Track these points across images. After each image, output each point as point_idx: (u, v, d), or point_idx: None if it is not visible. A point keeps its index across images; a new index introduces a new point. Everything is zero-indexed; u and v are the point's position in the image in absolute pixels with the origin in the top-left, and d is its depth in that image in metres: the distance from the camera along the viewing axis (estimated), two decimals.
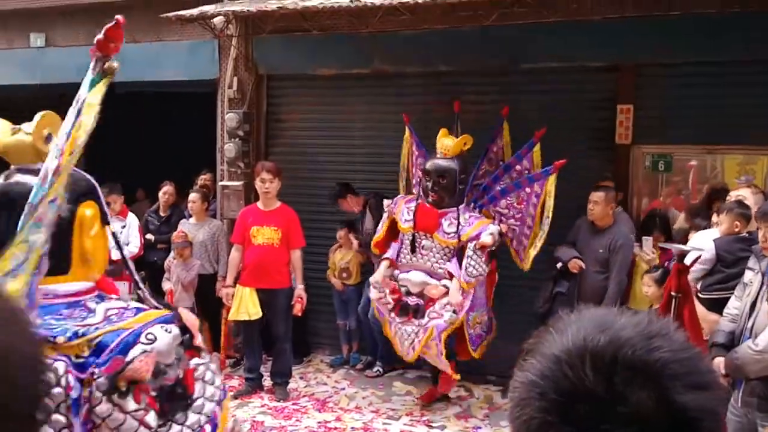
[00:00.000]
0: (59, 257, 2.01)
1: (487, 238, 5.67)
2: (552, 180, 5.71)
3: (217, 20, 7.20)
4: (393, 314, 5.92)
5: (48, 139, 2.14)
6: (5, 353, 0.71)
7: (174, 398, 1.92)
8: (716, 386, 0.82)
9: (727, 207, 4.87)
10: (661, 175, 6.66)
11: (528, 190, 5.85)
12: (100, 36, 2.11)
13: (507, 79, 7.05)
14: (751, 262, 4.14)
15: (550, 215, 5.74)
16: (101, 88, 2.09)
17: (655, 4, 6.16)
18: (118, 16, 2.13)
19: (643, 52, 6.45)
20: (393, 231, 6.24)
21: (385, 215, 6.38)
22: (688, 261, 4.26)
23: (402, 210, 6.11)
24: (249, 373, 6.77)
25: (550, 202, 5.74)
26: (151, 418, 1.83)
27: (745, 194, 5.11)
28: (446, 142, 5.99)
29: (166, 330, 1.95)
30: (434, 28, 6.79)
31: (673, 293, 4.14)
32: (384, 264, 6.07)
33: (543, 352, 0.82)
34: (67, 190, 1.99)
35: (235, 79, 7.94)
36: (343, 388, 6.95)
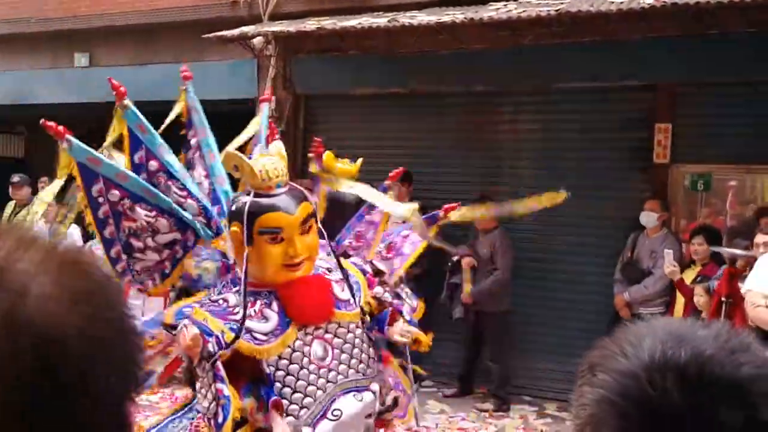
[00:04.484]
0: None
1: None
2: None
3: (257, 40, 7.34)
4: None
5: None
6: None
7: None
8: None
9: None
10: (701, 195, 6.58)
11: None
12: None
13: (543, 98, 7.05)
14: None
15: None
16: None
17: (694, 23, 6.13)
18: None
19: (682, 71, 6.41)
20: None
21: None
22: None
23: None
24: None
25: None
26: None
27: None
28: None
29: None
30: (471, 48, 6.83)
31: (723, 298, 4.12)
32: None
33: (616, 368, 0.78)
34: None
35: (273, 98, 8.04)
36: None
